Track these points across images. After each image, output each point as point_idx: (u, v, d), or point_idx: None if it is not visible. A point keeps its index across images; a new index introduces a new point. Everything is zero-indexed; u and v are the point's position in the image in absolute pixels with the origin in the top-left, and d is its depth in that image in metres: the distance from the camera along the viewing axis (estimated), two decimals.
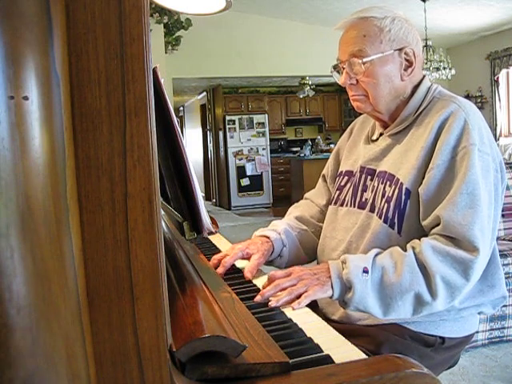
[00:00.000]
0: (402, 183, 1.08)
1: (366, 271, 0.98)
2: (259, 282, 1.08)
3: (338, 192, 1.28)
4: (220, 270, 1.13)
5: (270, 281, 1.02)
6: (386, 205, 1.10)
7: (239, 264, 1.19)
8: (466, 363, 2.30)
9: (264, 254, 1.19)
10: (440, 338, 1.12)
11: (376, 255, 1.03)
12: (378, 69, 1.12)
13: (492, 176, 1.04)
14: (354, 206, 1.20)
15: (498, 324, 2.47)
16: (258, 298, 0.96)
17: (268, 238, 1.25)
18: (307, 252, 1.31)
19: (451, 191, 1.01)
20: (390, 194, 1.10)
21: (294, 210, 1.41)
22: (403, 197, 1.07)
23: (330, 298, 1.01)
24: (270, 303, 0.94)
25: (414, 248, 1.01)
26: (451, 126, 1.04)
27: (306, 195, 1.47)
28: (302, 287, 0.97)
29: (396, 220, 1.08)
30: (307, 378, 0.62)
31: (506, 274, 2.45)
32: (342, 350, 0.73)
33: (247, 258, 1.18)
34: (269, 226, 1.33)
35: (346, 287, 0.99)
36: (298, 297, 0.96)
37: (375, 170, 1.18)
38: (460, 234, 0.98)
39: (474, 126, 1.04)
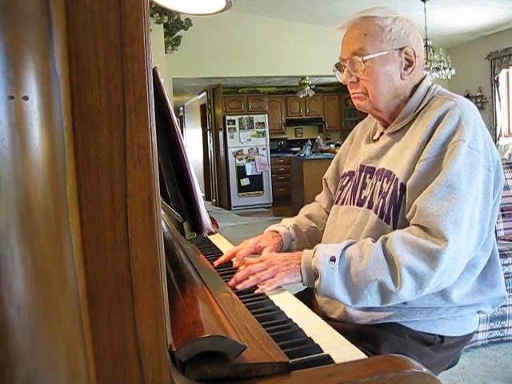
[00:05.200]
0: (397, 178, 1.10)
1: (333, 259, 1.02)
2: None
3: (339, 192, 1.31)
4: (236, 263, 1.20)
5: (246, 266, 1.11)
6: (381, 200, 1.12)
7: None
8: (466, 363, 2.29)
9: (275, 246, 1.29)
10: (439, 336, 1.12)
11: (347, 246, 1.06)
12: (379, 67, 1.13)
13: (482, 173, 1.04)
14: (353, 204, 1.22)
15: (498, 324, 2.47)
16: (231, 283, 1.05)
17: (277, 232, 1.34)
18: None
19: (431, 183, 1.02)
20: (386, 190, 1.12)
21: (305, 210, 1.49)
22: (398, 192, 1.08)
23: (301, 283, 1.07)
24: (237, 286, 1.03)
25: (384, 239, 1.03)
26: (445, 123, 1.05)
27: (316, 198, 1.53)
28: (270, 273, 1.05)
29: (391, 215, 1.09)
30: (307, 378, 0.62)
31: (505, 274, 2.45)
32: (341, 350, 0.74)
33: (259, 251, 1.26)
34: (280, 223, 1.44)
35: (315, 275, 1.03)
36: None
37: (374, 168, 1.20)
38: (431, 223, 0.99)
39: (468, 123, 1.04)
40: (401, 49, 1.14)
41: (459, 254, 0.99)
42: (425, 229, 1.00)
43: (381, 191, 1.13)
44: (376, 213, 1.12)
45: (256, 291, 1.01)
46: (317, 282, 1.02)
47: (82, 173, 0.51)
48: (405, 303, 1.08)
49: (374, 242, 1.05)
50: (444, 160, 1.03)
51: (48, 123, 0.46)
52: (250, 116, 9.22)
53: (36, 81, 0.44)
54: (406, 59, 1.15)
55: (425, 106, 1.14)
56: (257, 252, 1.26)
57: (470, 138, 1.03)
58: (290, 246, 1.34)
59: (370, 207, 1.15)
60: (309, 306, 0.98)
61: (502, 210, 2.80)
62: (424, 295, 1.06)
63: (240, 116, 9.16)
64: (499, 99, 7.49)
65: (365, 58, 1.12)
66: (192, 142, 11.36)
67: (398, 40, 1.13)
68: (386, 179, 1.13)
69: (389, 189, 1.11)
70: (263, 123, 9.21)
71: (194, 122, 11.28)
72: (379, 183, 1.15)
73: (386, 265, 0.99)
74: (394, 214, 1.09)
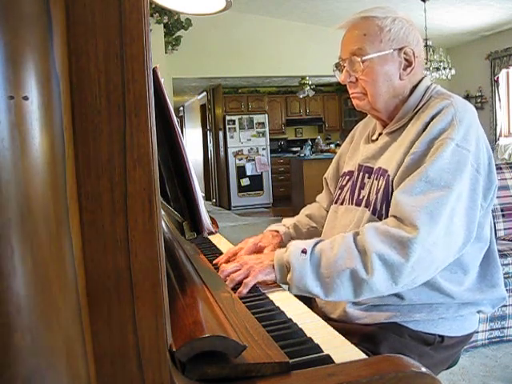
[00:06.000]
0: (389, 175, 1.10)
1: (304, 252, 1.02)
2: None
3: (339, 191, 1.31)
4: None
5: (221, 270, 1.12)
6: (375, 197, 1.12)
7: None
8: (466, 363, 2.30)
9: (275, 246, 1.30)
10: (439, 336, 1.12)
11: (320, 241, 1.06)
12: (377, 67, 1.13)
13: (469, 172, 1.03)
14: (352, 204, 1.22)
15: (498, 324, 2.47)
16: None
17: (277, 232, 1.35)
18: None
19: (410, 176, 1.03)
20: (378, 187, 1.12)
21: (306, 210, 1.49)
22: (390, 188, 1.09)
23: (276, 280, 1.06)
24: None
25: (357, 231, 1.04)
26: (438, 120, 1.05)
27: (317, 198, 1.53)
28: (243, 272, 1.06)
29: (384, 211, 1.09)
30: (307, 378, 0.62)
31: (505, 274, 2.45)
32: (341, 350, 0.74)
33: (260, 251, 1.27)
34: (280, 222, 1.45)
35: (287, 269, 1.03)
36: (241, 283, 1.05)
37: (372, 168, 1.20)
38: (404, 213, 0.99)
39: (461, 122, 1.04)
40: (400, 49, 1.14)
41: (435, 248, 0.97)
42: (399, 219, 1.01)
43: (376, 189, 1.14)
44: (369, 210, 1.13)
45: (235, 295, 0.98)
46: (289, 276, 1.02)
47: (81, 173, 0.51)
48: (403, 299, 1.08)
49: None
50: (428, 155, 1.03)
51: (48, 123, 0.46)
52: (250, 116, 9.22)
53: (36, 81, 0.44)
54: (405, 59, 1.15)
55: (423, 105, 1.14)
56: (258, 252, 1.27)
57: (461, 136, 1.03)
58: None
59: (366, 206, 1.16)
60: (309, 306, 0.98)
61: (502, 210, 2.80)
62: (420, 290, 1.06)
63: (240, 116, 9.16)
64: (499, 99, 7.49)
65: (364, 58, 1.13)
66: (192, 142, 11.35)
67: (397, 40, 1.13)
68: (381, 177, 1.14)
69: (381, 185, 1.11)
70: (263, 123, 9.21)
71: (194, 122, 11.27)
72: (376, 182, 1.16)
73: (357, 253, 0.99)
74: (386, 209, 1.08)
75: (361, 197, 1.20)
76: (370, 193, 1.16)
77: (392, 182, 1.09)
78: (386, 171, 1.12)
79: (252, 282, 1.03)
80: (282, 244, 1.32)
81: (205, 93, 9.80)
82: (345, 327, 1.05)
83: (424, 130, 1.07)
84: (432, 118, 1.07)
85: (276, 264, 1.05)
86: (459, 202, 1.01)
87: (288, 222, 1.41)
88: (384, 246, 0.97)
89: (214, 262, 1.24)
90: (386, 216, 1.08)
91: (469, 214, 1.03)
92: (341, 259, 0.99)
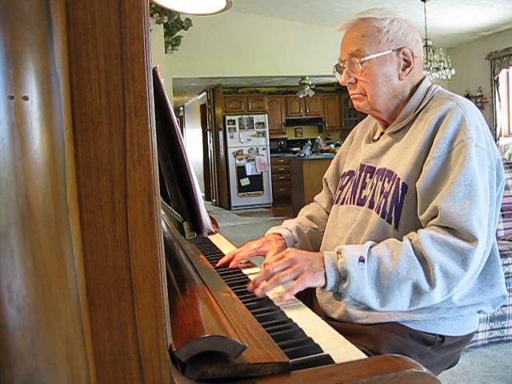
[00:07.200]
0: (399, 178, 1.09)
1: (362, 260, 0.97)
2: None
3: (339, 192, 1.31)
4: (232, 263, 1.21)
5: (264, 266, 1.05)
6: (383, 200, 1.12)
7: (247, 271, 1.21)
8: (466, 363, 2.29)
9: (279, 250, 1.26)
10: (440, 336, 1.12)
11: (372, 246, 1.03)
12: (376, 68, 1.14)
13: (487, 172, 1.05)
14: (353, 203, 1.22)
15: (498, 324, 2.47)
16: (250, 287, 0.98)
17: (280, 235, 1.33)
18: (317, 249, 1.34)
19: (448, 182, 1.02)
20: (387, 190, 1.12)
21: (306, 211, 1.47)
22: (400, 191, 1.08)
23: (323, 288, 0.99)
24: (256, 293, 0.95)
25: (410, 239, 1.02)
26: (448, 122, 1.05)
27: (315, 198, 1.52)
28: (292, 273, 0.96)
29: (393, 214, 1.09)
30: (307, 378, 0.62)
31: (505, 273, 2.45)
32: (341, 350, 0.74)
33: (261, 254, 1.25)
34: (282, 224, 1.42)
35: (341, 277, 0.97)
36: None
37: (374, 168, 1.20)
38: (458, 223, 0.98)
39: (471, 122, 1.05)
40: (398, 49, 1.14)
41: (482, 253, 1.00)
42: (450, 229, 1.00)
43: (382, 191, 1.13)
44: (378, 213, 1.12)
45: (279, 304, 0.93)
46: (345, 285, 0.96)
47: (81, 173, 0.51)
48: None
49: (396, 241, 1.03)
50: (453, 159, 1.03)
51: (48, 123, 0.46)
52: (250, 116, 9.22)
53: (36, 81, 0.44)
54: (404, 60, 1.15)
55: (425, 105, 1.15)
56: (259, 255, 1.26)
57: (475, 135, 1.04)
58: None
59: (371, 207, 1.15)
60: (309, 306, 0.98)
61: (501, 210, 2.80)
62: None
63: (240, 116, 9.16)
64: (499, 99, 7.49)
65: (362, 59, 1.13)
66: (192, 142, 11.35)
67: (395, 41, 1.14)
68: (387, 179, 1.13)
69: (390, 189, 1.11)
70: (263, 123, 9.21)
71: (194, 121, 11.27)
72: (380, 183, 1.15)
73: (419, 264, 0.97)
74: (396, 213, 1.08)
75: (362, 196, 1.20)
76: (374, 193, 1.16)
77: (403, 186, 1.08)
78: (393, 173, 1.12)
79: (298, 288, 0.95)
80: (285, 248, 1.30)
81: (205, 93, 9.80)
82: (345, 327, 1.05)
83: (433, 132, 1.07)
84: (440, 120, 1.07)
85: (329, 271, 0.97)
86: (486, 201, 1.03)
87: (290, 224, 1.40)
88: (443, 256, 0.96)
89: (217, 265, 1.23)
90: (396, 220, 1.08)
91: (490, 211, 1.05)
92: (402, 269, 0.96)
